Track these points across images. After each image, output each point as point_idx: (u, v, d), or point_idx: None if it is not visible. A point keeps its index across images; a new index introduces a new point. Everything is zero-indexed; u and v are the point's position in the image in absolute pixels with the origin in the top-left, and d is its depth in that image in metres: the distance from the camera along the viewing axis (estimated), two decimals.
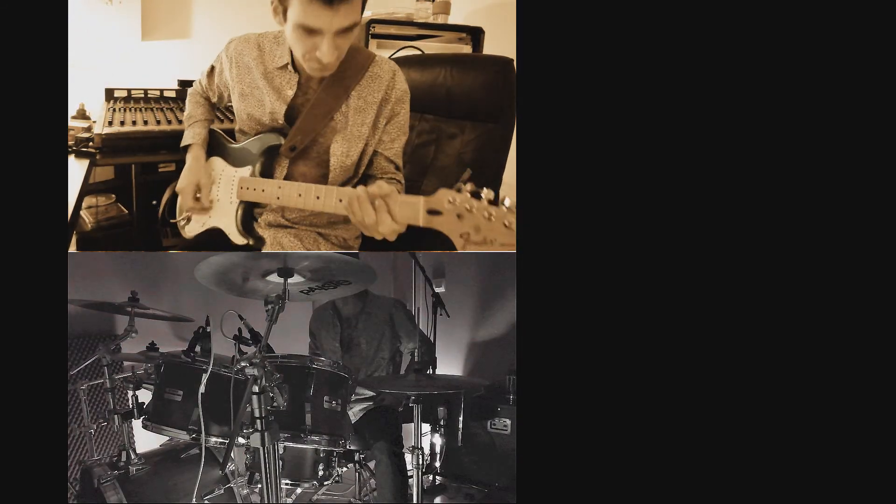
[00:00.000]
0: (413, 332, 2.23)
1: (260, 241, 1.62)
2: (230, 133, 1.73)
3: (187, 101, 1.81)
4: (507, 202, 1.03)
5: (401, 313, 2.24)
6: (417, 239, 1.77)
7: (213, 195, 1.66)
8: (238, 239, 1.63)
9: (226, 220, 1.64)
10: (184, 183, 1.64)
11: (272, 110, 1.57)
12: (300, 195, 1.41)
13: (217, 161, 1.68)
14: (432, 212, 1.10)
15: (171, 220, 1.81)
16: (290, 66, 1.54)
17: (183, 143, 1.71)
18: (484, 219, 1.03)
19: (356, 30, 1.42)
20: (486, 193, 1.03)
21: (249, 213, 1.63)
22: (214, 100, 1.77)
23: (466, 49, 2.57)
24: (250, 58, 1.60)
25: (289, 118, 1.57)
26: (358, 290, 1.94)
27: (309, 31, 1.37)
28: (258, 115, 1.60)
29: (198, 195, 1.63)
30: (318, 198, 1.37)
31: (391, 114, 1.57)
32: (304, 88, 1.55)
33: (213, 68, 1.74)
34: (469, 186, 1.06)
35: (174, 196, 1.71)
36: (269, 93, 1.57)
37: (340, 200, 1.31)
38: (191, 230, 1.73)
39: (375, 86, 1.55)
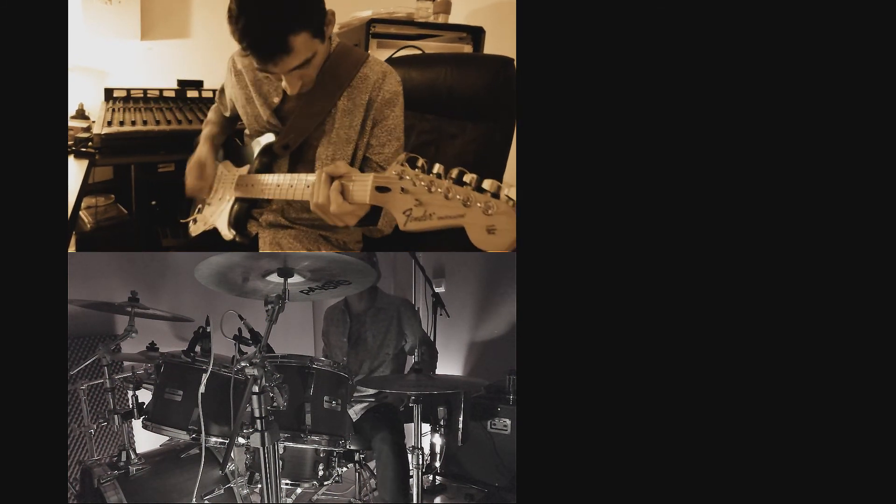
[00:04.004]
0: (418, 331, 2.27)
1: (247, 239, 1.64)
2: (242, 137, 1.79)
3: (209, 112, 1.90)
4: (467, 178, 0.96)
5: (408, 312, 2.28)
6: (417, 239, 1.77)
7: (218, 193, 1.69)
8: (226, 234, 1.65)
9: (222, 216, 1.67)
10: (190, 165, 1.69)
11: (262, 113, 1.60)
12: (278, 185, 1.43)
13: (227, 163, 1.73)
14: (381, 189, 1.06)
15: (182, 221, 1.86)
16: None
17: (195, 142, 1.78)
18: (426, 191, 0.98)
19: (318, 58, 1.42)
20: (437, 168, 0.99)
21: (244, 211, 1.65)
22: (227, 114, 1.82)
23: (467, 49, 2.58)
24: (242, 65, 1.64)
25: (283, 119, 1.58)
26: (358, 291, 1.95)
27: (269, 72, 1.43)
28: (259, 118, 1.63)
29: (202, 178, 1.68)
30: (291, 185, 1.38)
31: (379, 117, 1.53)
32: (300, 94, 1.55)
33: (223, 85, 1.80)
34: (420, 161, 1.02)
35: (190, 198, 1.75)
36: (256, 98, 1.61)
37: (308, 186, 1.30)
38: (195, 230, 1.78)
39: (363, 87, 1.52)
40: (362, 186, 1.11)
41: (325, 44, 1.44)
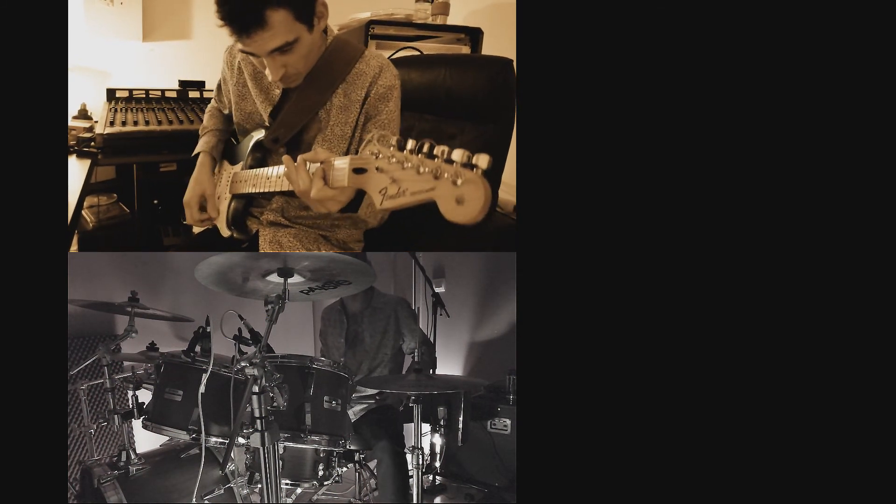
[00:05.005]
0: (415, 330, 2.25)
1: (246, 236, 1.64)
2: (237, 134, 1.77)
3: (205, 114, 1.85)
4: (437, 150, 0.93)
5: (405, 311, 2.27)
6: (418, 239, 1.77)
7: (218, 194, 1.68)
8: (224, 231, 1.65)
9: (220, 214, 1.67)
10: (189, 195, 1.64)
11: (261, 110, 1.59)
12: (268, 178, 1.43)
13: (224, 163, 1.72)
14: (358, 170, 1.05)
15: (185, 223, 1.84)
16: None
17: (194, 153, 1.74)
18: (399, 168, 0.97)
19: (302, 46, 1.36)
20: (411, 144, 0.97)
21: (242, 208, 1.64)
22: (226, 111, 1.79)
23: (465, 50, 2.58)
24: (240, 59, 1.62)
25: (277, 115, 1.57)
26: (358, 291, 1.96)
27: (249, 53, 1.38)
28: (253, 114, 1.62)
29: (203, 207, 1.63)
30: (278, 176, 1.38)
31: (372, 112, 1.49)
32: (296, 88, 1.53)
33: (220, 80, 1.77)
34: (394, 139, 1.00)
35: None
36: (256, 94, 1.59)
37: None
38: (198, 228, 1.78)
39: (360, 83, 1.48)
40: (341, 170, 1.11)
41: (315, 35, 1.40)
